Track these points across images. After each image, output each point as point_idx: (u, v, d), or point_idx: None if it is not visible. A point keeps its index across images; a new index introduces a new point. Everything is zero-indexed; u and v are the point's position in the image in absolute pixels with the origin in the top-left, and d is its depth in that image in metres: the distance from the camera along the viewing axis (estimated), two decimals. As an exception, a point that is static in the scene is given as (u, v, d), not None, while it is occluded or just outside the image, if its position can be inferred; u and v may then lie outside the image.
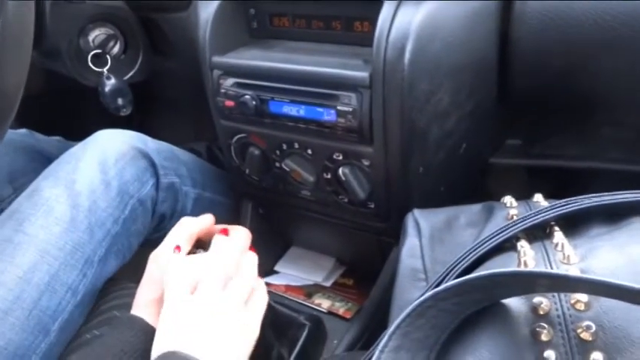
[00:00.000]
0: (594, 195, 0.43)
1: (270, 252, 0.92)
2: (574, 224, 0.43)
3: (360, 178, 0.67)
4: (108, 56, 0.88)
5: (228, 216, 0.87)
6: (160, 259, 0.58)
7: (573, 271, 0.37)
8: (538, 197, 0.50)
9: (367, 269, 0.82)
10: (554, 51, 0.65)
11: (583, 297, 0.35)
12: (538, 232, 0.43)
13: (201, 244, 0.61)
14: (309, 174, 0.72)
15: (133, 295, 0.59)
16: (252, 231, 0.79)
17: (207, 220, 0.62)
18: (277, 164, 0.74)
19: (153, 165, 0.72)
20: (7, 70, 0.50)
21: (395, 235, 0.60)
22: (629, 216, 0.42)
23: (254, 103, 0.68)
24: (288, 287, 0.85)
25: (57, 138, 0.93)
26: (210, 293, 0.52)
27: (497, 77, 0.70)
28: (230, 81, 0.71)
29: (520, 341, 0.35)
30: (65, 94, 1.14)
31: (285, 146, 0.71)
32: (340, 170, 0.68)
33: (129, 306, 0.58)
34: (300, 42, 0.72)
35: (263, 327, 0.70)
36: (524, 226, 0.43)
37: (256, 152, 0.74)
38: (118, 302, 0.67)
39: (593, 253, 0.39)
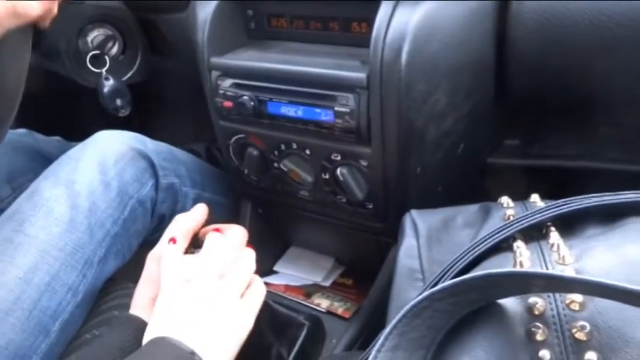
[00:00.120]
0: (590, 195, 0.44)
1: (269, 252, 0.92)
2: (570, 225, 0.44)
3: (358, 178, 0.68)
4: (106, 57, 0.89)
5: (227, 216, 0.88)
6: (157, 259, 0.58)
7: (568, 272, 0.38)
8: (535, 198, 0.50)
9: (366, 269, 0.82)
10: (551, 51, 0.65)
11: (578, 297, 0.35)
12: (534, 233, 0.44)
13: (198, 244, 0.61)
14: (307, 174, 0.72)
15: (132, 295, 0.59)
16: (252, 231, 0.79)
17: (200, 213, 0.61)
18: (276, 164, 0.74)
19: (152, 166, 0.73)
20: (7, 71, 0.50)
21: (393, 235, 0.60)
22: (625, 217, 0.42)
23: (252, 103, 0.69)
24: (287, 287, 0.86)
25: (56, 138, 0.93)
26: (204, 284, 0.52)
27: (494, 77, 0.70)
28: (228, 82, 0.71)
29: (515, 341, 0.35)
30: (64, 94, 1.14)
31: (283, 147, 0.72)
32: (338, 170, 0.68)
33: (128, 306, 0.59)
34: (298, 43, 0.73)
35: (262, 326, 0.70)
36: (521, 227, 0.43)
37: (255, 153, 0.74)
38: (118, 302, 0.68)
39: (588, 253, 0.39)
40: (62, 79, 0.92)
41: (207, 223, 0.63)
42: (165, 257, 0.55)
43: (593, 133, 0.74)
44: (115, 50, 0.90)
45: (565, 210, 0.43)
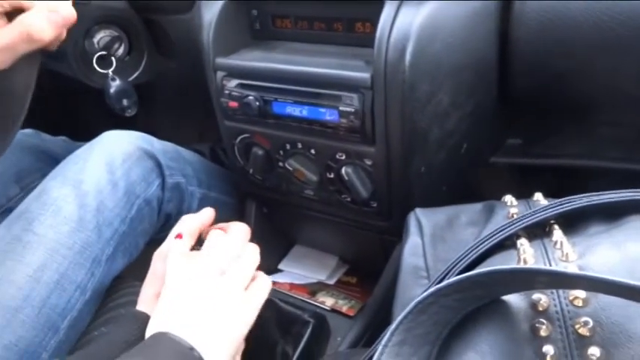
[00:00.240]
0: (593, 194, 0.44)
1: (274, 251, 0.93)
2: (573, 223, 0.44)
3: (362, 177, 0.68)
4: (113, 58, 0.89)
5: (232, 215, 0.88)
6: (164, 257, 0.59)
7: (572, 269, 0.38)
8: (538, 196, 0.51)
9: (370, 267, 0.83)
10: (553, 51, 0.65)
11: (581, 293, 0.36)
12: (538, 231, 0.44)
13: (201, 242, 0.62)
14: (312, 173, 0.72)
15: (139, 293, 0.60)
16: (256, 230, 0.80)
17: (207, 215, 0.62)
18: (281, 164, 0.74)
19: (159, 165, 0.73)
20: (17, 72, 0.50)
21: (397, 234, 0.61)
22: (627, 214, 0.43)
23: (257, 103, 0.69)
24: (292, 285, 0.86)
25: (62, 138, 0.94)
26: (206, 279, 0.53)
27: (497, 77, 0.71)
28: (234, 82, 0.72)
29: (520, 336, 0.36)
30: (69, 94, 1.15)
31: (288, 146, 0.72)
32: (343, 170, 0.69)
33: (135, 304, 0.60)
34: (302, 43, 0.73)
35: (267, 324, 0.71)
36: (524, 225, 0.44)
37: (260, 152, 0.75)
38: (125, 300, 0.68)
39: (592, 250, 0.39)
40: (68, 79, 0.93)
41: (213, 223, 0.63)
42: (171, 254, 0.56)
43: (594, 132, 0.75)
44: (121, 51, 0.91)
45: (568, 208, 0.44)
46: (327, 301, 0.82)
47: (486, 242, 0.44)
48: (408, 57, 0.59)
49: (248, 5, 0.75)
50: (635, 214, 0.42)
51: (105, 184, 0.67)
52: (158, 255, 0.60)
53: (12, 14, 0.45)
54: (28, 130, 0.90)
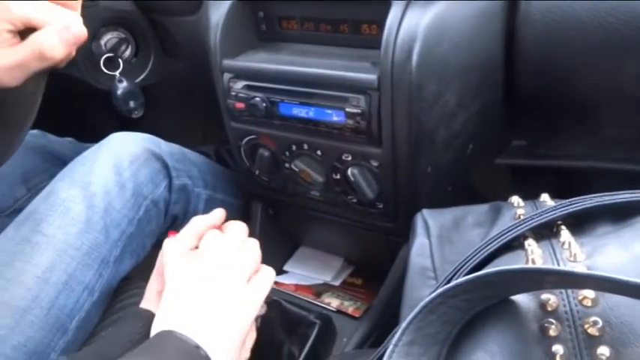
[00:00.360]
0: (600, 194, 0.44)
1: (279, 252, 0.93)
2: (580, 223, 0.44)
3: (368, 178, 0.68)
4: (120, 60, 0.90)
5: (238, 217, 0.88)
6: None
7: (580, 269, 0.38)
8: (545, 197, 0.51)
9: (375, 269, 0.83)
10: (558, 52, 0.65)
11: (590, 293, 0.36)
12: (545, 231, 0.44)
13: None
14: (318, 174, 0.73)
15: (146, 294, 0.61)
16: (262, 231, 0.80)
17: (217, 217, 0.63)
18: (287, 165, 0.75)
19: (166, 167, 0.74)
20: (27, 82, 0.51)
21: (403, 235, 0.61)
22: (635, 215, 0.43)
23: (264, 105, 0.70)
24: (297, 286, 0.87)
25: (69, 139, 0.94)
26: (207, 274, 0.54)
27: (503, 78, 0.71)
28: (240, 84, 0.72)
29: (529, 336, 0.36)
30: (76, 96, 1.15)
31: (294, 147, 0.72)
32: (349, 171, 0.69)
33: (142, 304, 0.60)
34: (309, 45, 0.73)
35: (273, 325, 0.71)
36: (532, 225, 0.44)
37: (266, 153, 0.75)
38: (133, 301, 0.69)
39: (600, 250, 0.40)
40: (75, 81, 0.93)
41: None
42: (168, 253, 0.58)
43: (599, 133, 0.75)
44: (128, 53, 0.91)
45: (576, 209, 0.44)
46: (333, 302, 0.82)
47: (494, 243, 0.44)
48: (415, 58, 0.59)
49: (254, 7, 0.75)
50: (643, 215, 0.43)
51: (112, 186, 0.68)
52: (162, 253, 0.61)
53: (25, 32, 0.46)
54: (34, 131, 0.90)
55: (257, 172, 0.79)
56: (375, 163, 0.67)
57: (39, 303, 0.60)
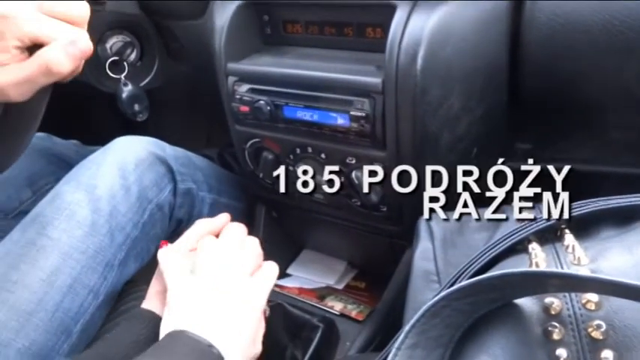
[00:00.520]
0: (604, 198, 0.44)
1: (282, 255, 0.93)
2: (584, 227, 0.44)
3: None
4: (125, 63, 0.90)
5: (242, 220, 0.88)
6: None
7: (584, 272, 0.38)
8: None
9: (379, 272, 0.83)
10: (563, 54, 0.65)
11: (594, 297, 0.36)
12: (549, 235, 0.44)
13: None
14: (322, 177, 0.73)
15: (150, 297, 0.61)
16: (266, 234, 0.80)
17: (222, 221, 0.64)
18: (291, 168, 0.75)
19: (171, 171, 0.74)
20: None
21: (407, 238, 0.61)
22: (639, 219, 0.43)
23: (269, 108, 0.70)
24: (301, 290, 0.86)
25: (74, 142, 0.95)
26: (208, 271, 0.54)
27: (507, 81, 0.71)
28: (245, 87, 0.72)
29: (532, 340, 0.36)
30: (81, 99, 1.15)
31: (298, 150, 0.72)
32: (353, 174, 0.69)
33: (146, 308, 0.61)
34: (313, 48, 0.74)
35: (277, 328, 0.71)
36: (535, 229, 0.44)
37: (270, 157, 0.75)
38: (136, 303, 0.69)
39: (604, 254, 0.39)
40: (80, 84, 0.94)
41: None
42: (160, 256, 0.59)
43: (604, 136, 0.74)
44: (133, 56, 0.91)
45: (579, 212, 0.44)
46: (336, 305, 0.82)
47: (497, 246, 0.44)
48: (419, 61, 0.59)
49: (259, 10, 0.75)
50: (647, 219, 0.43)
51: (118, 189, 0.68)
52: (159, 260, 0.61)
53: (32, 48, 0.46)
54: (40, 134, 0.91)
55: (261, 175, 0.79)
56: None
57: (44, 306, 0.60)
